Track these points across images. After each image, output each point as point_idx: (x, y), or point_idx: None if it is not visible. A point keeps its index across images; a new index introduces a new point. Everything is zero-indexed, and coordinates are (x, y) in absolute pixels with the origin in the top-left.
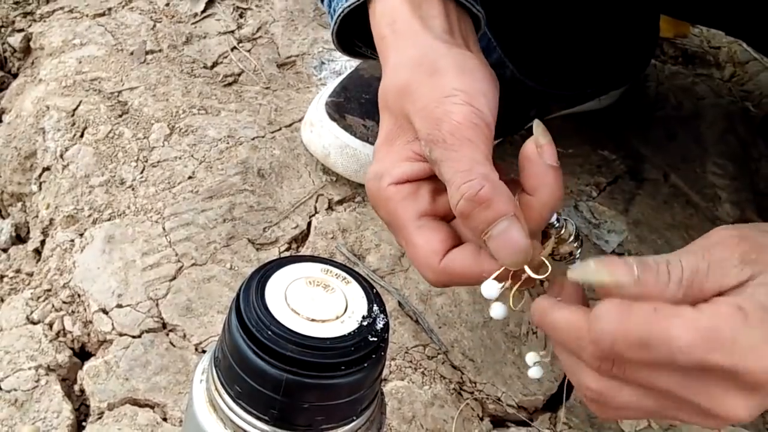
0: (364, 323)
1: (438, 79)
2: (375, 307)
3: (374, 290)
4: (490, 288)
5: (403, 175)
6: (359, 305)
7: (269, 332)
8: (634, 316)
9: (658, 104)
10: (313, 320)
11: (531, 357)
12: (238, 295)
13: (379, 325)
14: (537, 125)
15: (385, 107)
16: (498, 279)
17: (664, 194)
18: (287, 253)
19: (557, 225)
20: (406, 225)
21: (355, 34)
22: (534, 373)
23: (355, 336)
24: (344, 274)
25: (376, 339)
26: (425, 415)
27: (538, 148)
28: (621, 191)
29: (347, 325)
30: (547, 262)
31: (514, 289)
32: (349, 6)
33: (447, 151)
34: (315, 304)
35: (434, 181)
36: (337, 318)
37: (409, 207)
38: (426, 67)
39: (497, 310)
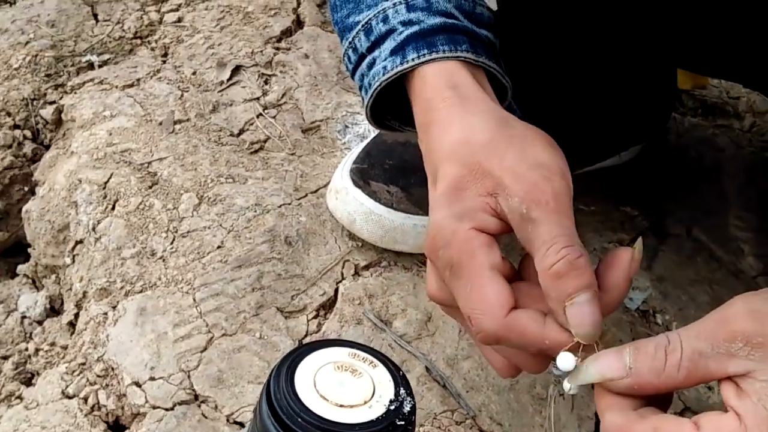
0: (392, 407)
1: (529, 147)
2: (402, 390)
3: (401, 372)
4: (567, 360)
5: (483, 224)
6: (386, 389)
7: (299, 419)
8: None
9: (679, 157)
10: (341, 406)
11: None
12: (268, 382)
13: (406, 408)
14: (640, 242)
15: (454, 156)
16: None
17: (687, 249)
18: (315, 321)
19: None
20: (481, 271)
21: (388, 109)
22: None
23: (383, 421)
24: (371, 358)
25: (403, 423)
26: None
27: (632, 262)
28: (644, 247)
29: (375, 410)
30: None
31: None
32: (387, 79)
33: (549, 214)
34: (343, 389)
35: (499, 238)
36: (365, 403)
37: (488, 255)
38: (510, 132)
39: (570, 386)
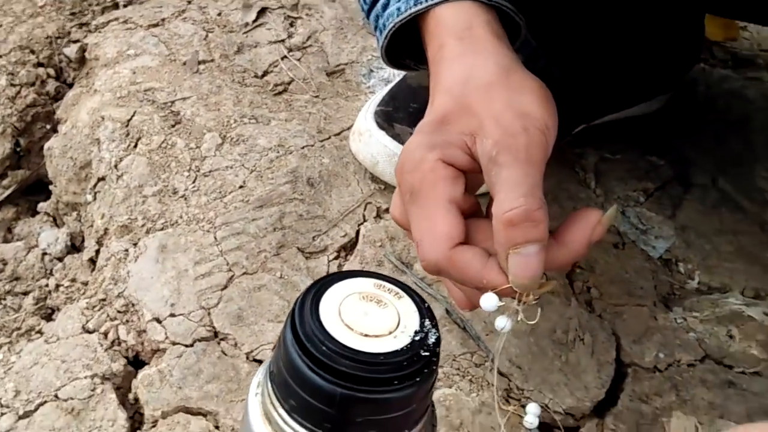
0: (416, 338)
1: (522, 96)
2: (427, 322)
3: (426, 305)
4: (491, 300)
5: (453, 158)
6: (411, 320)
7: (324, 347)
8: None
9: (707, 108)
10: (366, 335)
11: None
12: (293, 311)
13: (431, 339)
14: (613, 210)
15: (449, 91)
16: (501, 293)
17: (712, 199)
18: (336, 262)
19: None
20: (437, 201)
21: (403, 47)
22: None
23: (408, 351)
24: (397, 289)
25: (428, 354)
26: (473, 422)
27: (598, 225)
28: (669, 196)
29: (400, 341)
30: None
31: (522, 306)
32: (401, 20)
33: (518, 162)
34: (368, 319)
35: (469, 180)
36: (390, 333)
37: (448, 188)
38: (509, 79)
39: (502, 322)
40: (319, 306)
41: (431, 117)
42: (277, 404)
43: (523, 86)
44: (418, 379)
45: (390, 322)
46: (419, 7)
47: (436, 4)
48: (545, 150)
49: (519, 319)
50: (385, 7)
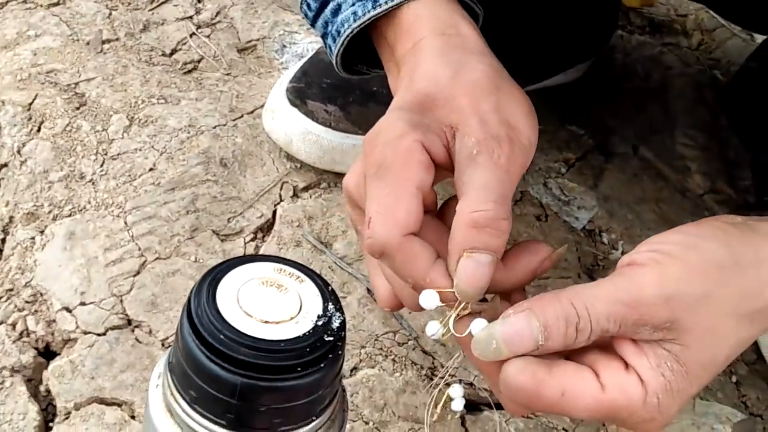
0: (320, 323)
1: (509, 105)
2: (330, 306)
3: (329, 288)
4: (431, 298)
5: (431, 146)
6: (314, 304)
7: (221, 336)
8: (545, 391)
9: (626, 76)
10: (266, 322)
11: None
12: (189, 299)
13: (335, 323)
14: (563, 250)
15: (434, 80)
16: (441, 296)
17: (633, 167)
18: (253, 244)
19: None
20: (406, 183)
21: (354, 53)
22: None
23: (311, 336)
24: (298, 273)
25: (332, 338)
26: (397, 402)
27: (547, 260)
28: (590, 166)
29: (302, 326)
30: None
31: (452, 314)
32: (360, 24)
33: (496, 167)
34: (268, 305)
35: (437, 175)
36: (292, 319)
37: (421, 173)
38: (498, 84)
39: (433, 328)
40: (216, 293)
41: (412, 97)
42: (177, 396)
43: (512, 96)
44: (322, 365)
45: (291, 307)
46: (386, 6)
47: (406, 1)
48: (523, 166)
49: (448, 328)
50: (336, 12)
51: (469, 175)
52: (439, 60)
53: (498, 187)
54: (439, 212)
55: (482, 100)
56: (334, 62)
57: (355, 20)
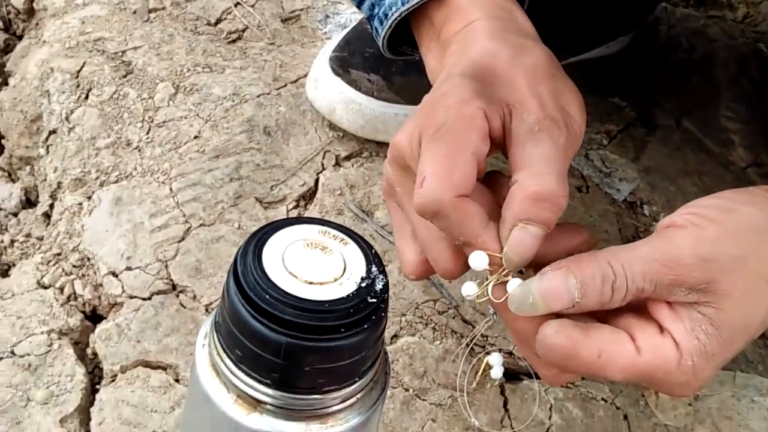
0: (363, 285)
1: (564, 94)
2: (374, 268)
3: (373, 251)
4: (481, 259)
5: (491, 117)
6: (358, 266)
7: (267, 296)
8: (582, 351)
9: (670, 48)
10: (311, 283)
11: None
12: (235, 260)
13: (379, 286)
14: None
15: (494, 55)
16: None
17: (676, 140)
18: (295, 211)
19: None
20: (465, 147)
21: (399, 36)
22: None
23: (354, 298)
24: (342, 235)
25: (375, 300)
26: (437, 370)
27: (585, 243)
28: (632, 138)
29: (346, 287)
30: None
31: (493, 279)
32: (410, 7)
33: (556, 146)
34: (313, 266)
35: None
36: (336, 280)
37: (479, 140)
38: (555, 73)
39: (470, 289)
40: (262, 254)
41: (474, 67)
42: (223, 355)
43: (566, 85)
44: (365, 326)
45: (335, 268)
46: None
47: None
48: (574, 152)
49: (484, 291)
50: None
51: (530, 148)
52: (498, 39)
53: (559, 163)
54: (489, 185)
55: (541, 84)
56: (380, 44)
57: (403, 4)
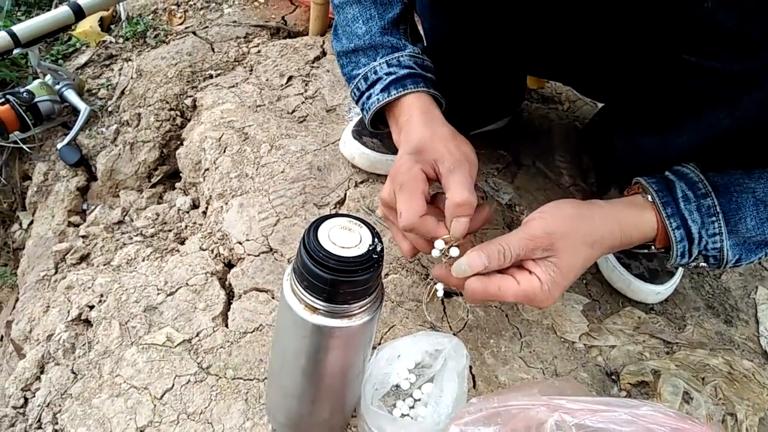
0: (370, 248)
1: (461, 146)
2: (376, 240)
3: (375, 230)
4: (439, 243)
5: (427, 171)
6: (367, 239)
7: (321, 254)
8: (489, 288)
9: (530, 124)
10: (343, 247)
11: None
12: (304, 235)
13: (378, 248)
14: (493, 209)
15: (422, 137)
16: (445, 242)
17: (532, 172)
18: (334, 210)
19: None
20: (417, 192)
21: (375, 118)
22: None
23: (366, 255)
24: (359, 223)
25: (377, 256)
26: (408, 292)
27: (489, 213)
28: (510, 172)
29: (361, 249)
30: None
31: (448, 246)
32: (379, 106)
33: (465, 174)
34: (344, 238)
35: (429, 186)
36: (356, 246)
37: (422, 185)
38: (455, 137)
39: (436, 252)
40: (318, 231)
41: (412, 146)
42: (297, 284)
43: (462, 140)
44: (371, 270)
45: (355, 240)
46: (393, 96)
47: (405, 94)
48: (474, 176)
49: (449, 254)
50: (369, 98)
51: (451, 178)
52: (424, 127)
53: (468, 185)
54: (432, 201)
55: (449, 144)
56: (366, 123)
57: (377, 103)
